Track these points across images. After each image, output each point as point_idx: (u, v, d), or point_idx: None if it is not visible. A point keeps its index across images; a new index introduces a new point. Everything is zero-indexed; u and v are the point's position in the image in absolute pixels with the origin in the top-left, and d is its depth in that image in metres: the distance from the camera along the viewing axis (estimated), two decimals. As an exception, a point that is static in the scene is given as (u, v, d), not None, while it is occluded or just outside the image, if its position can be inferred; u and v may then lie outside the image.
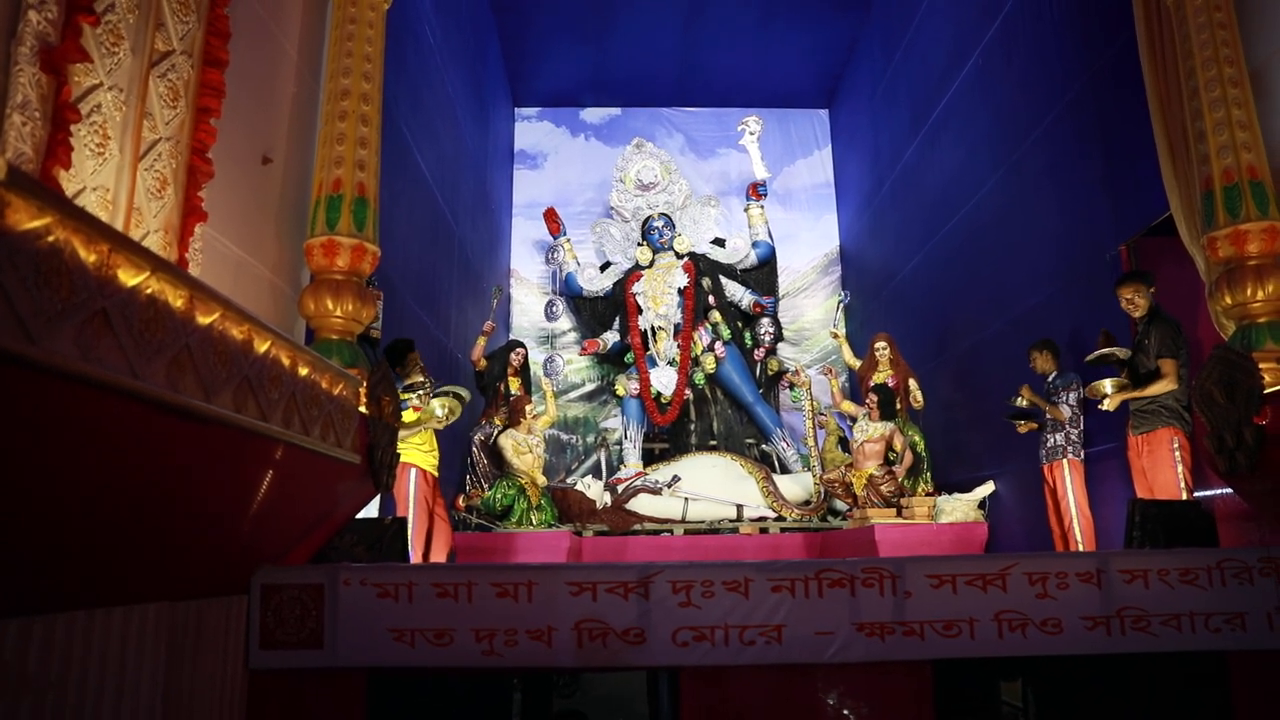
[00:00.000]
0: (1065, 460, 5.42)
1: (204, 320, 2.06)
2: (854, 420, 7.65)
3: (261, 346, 2.37)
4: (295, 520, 3.14)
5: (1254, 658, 3.18)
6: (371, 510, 4.37)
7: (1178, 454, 4.46)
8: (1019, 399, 5.72)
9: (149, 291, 1.83)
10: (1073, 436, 5.45)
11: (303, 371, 2.65)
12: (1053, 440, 5.53)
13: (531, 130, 11.81)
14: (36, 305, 1.50)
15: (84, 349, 1.64)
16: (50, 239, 1.53)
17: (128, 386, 1.79)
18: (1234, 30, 3.97)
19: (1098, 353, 4.74)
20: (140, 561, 2.33)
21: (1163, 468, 4.48)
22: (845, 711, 3.14)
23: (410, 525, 4.83)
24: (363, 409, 3.28)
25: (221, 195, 3.28)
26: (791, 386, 9.33)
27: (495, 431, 7.16)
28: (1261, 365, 3.43)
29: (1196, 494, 4.48)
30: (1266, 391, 3.35)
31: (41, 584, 2.00)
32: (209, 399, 2.09)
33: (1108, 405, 4.71)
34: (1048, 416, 5.58)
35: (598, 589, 3.14)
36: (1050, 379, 5.68)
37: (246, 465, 2.52)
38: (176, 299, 1.94)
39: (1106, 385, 4.73)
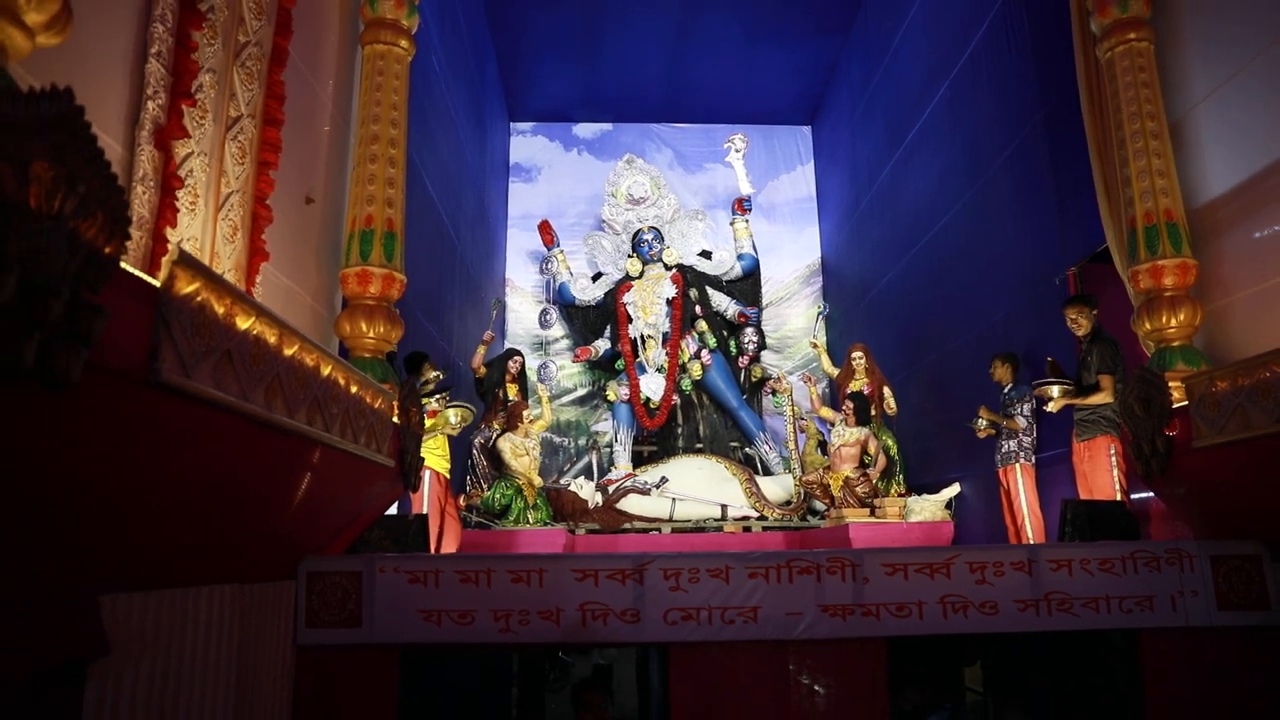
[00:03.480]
0: (1018, 465, 5.96)
1: (288, 352, 2.55)
2: (832, 425, 8.17)
3: (325, 370, 2.86)
4: (338, 516, 3.62)
5: (1160, 634, 3.71)
6: (390, 509, 4.85)
7: (1114, 459, 4.99)
8: (979, 420, 6.25)
9: (255, 333, 2.32)
10: (1025, 443, 6.00)
11: (354, 390, 3.14)
12: (1007, 446, 6.07)
13: (526, 144, 12.25)
14: (191, 349, 1.99)
15: (216, 380, 2.13)
16: (199, 299, 2.02)
17: (240, 408, 2.28)
18: (1156, 89, 4.52)
19: (1042, 382, 5.29)
20: (224, 549, 2.81)
21: (1100, 472, 5.02)
22: (811, 680, 3.64)
23: (425, 522, 5.31)
24: (395, 419, 3.76)
25: (273, 232, 3.76)
26: (774, 393, 9.82)
27: (494, 435, 7.61)
28: (1172, 384, 3.96)
29: (1135, 496, 5.02)
30: (1175, 407, 3.89)
31: (158, 565, 2.48)
32: (291, 415, 2.58)
33: (1052, 408, 5.27)
34: (1004, 425, 6.12)
35: (599, 575, 3.64)
36: (1006, 390, 6.22)
37: (309, 469, 3.00)
38: (271, 336, 2.43)
39: (1054, 390, 5.28)
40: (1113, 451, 5.04)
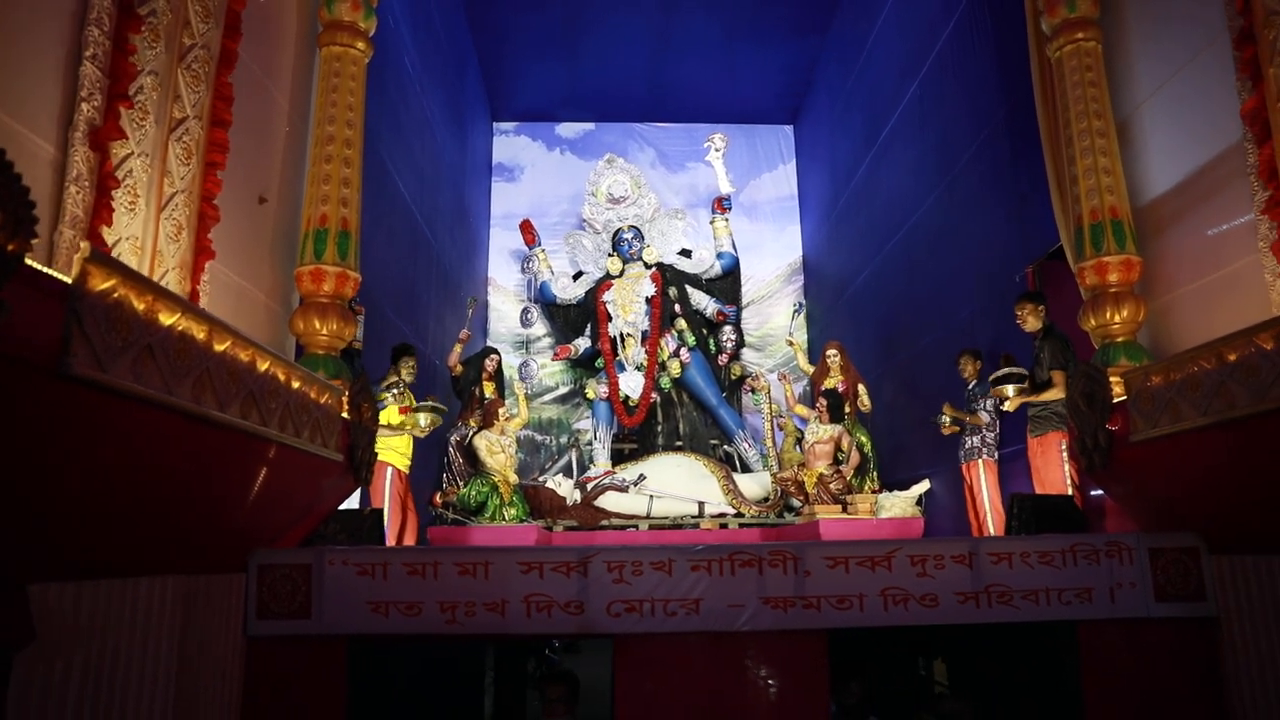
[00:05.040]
0: (980, 460, 6.03)
1: (219, 348, 2.61)
2: (807, 422, 8.22)
3: (262, 366, 2.92)
4: (287, 509, 3.68)
5: (1098, 625, 3.76)
6: (352, 503, 4.91)
7: (1064, 454, 5.06)
8: (943, 416, 6.32)
9: (180, 329, 2.38)
10: (988, 439, 6.07)
11: (295, 385, 3.20)
12: (970, 442, 6.14)
13: (509, 144, 12.32)
14: (106, 343, 2.05)
15: (136, 374, 2.18)
16: (115, 295, 2.08)
17: (164, 401, 2.34)
18: (1103, 88, 4.58)
19: (999, 373, 5.37)
20: (164, 540, 2.87)
21: (1052, 466, 5.09)
22: (753, 671, 3.70)
23: (386, 517, 5.38)
24: (345, 415, 3.82)
25: (224, 231, 3.81)
26: (752, 390, 9.87)
27: (470, 433, 7.67)
28: (1113, 379, 4.03)
29: (1094, 492, 5.08)
30: (1116, 401, 3.95)
31: (91, 555, 2.54)
32: (223, 409, 2.64)
33: (1008, 407, 5.34)
34: (968, 421, 6.19)
35: (544, 568, 3.69)
36: (971, 386, 6.29)
37: (249, 463, 3.06)
38: (199, 332, 2.49)
39: (1009, 390, 5.36)
40: (1063, 446, 5.11)
